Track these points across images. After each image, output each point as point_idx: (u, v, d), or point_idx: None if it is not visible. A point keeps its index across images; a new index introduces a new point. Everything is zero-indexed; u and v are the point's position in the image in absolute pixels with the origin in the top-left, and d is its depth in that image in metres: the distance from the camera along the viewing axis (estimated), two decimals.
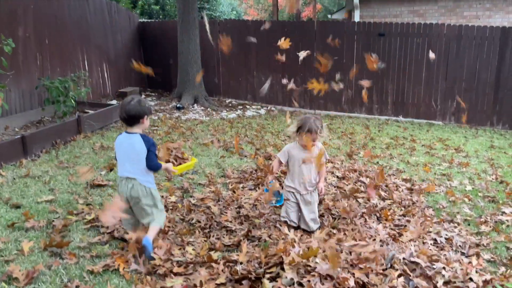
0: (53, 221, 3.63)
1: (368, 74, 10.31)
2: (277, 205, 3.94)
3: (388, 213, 3.83)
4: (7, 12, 7.01)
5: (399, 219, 3.81)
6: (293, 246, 2.77)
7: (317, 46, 10.61)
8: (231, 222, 3.76)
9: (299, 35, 10.75)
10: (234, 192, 4.52)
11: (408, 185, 5.01)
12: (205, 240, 3.33)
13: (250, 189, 4.65)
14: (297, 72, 10.91)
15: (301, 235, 3.37)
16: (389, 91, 10.39)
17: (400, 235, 3.49)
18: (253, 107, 11.00)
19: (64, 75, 7.98)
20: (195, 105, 10.48)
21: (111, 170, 5.19)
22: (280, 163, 3.60)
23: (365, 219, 3.73)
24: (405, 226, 3.72)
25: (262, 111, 10.54)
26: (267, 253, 2.75)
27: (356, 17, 12.41)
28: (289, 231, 3.43)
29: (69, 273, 2.87)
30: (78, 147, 6.16)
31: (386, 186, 4.84)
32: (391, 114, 10.45)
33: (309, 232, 3.54)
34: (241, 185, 4.76)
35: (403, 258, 2.80)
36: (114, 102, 10.12)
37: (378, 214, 3.93)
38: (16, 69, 7.23)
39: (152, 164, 3.14)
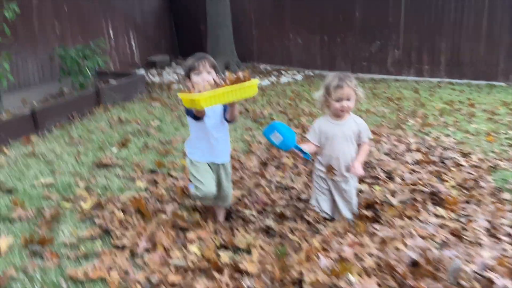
0: (43, 209, 3.13)
1: (417, 31, 9.19)
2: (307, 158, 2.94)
3: (450, 199, 3.02)
4: None
5: (463, 208, 3.00)
6: (318, 257, 2.09)
7: (360, 2, 9.52)
8: (250, 210, 3.12)
9: None
10: (255, 173, 3.85)
11: (469, 159, 4.13)
12: (214, 238, 2.70)
13: (276, 167, 3.97)
14: (337, 33, 9.90)
15: (332, 233, 2.64)
16: (442, 50, 9.19)
17: (465, 229, 2.70)
18: (289, 72, 10.15)
19: (92, 49, 7.45)
20: (226, 71, 9.76)
21: (124, 146, 4.66)
22: (315, 145, 2.83)
23: (418, 207, 2.95)
24: (470, 216, 2.92)
25: (299, 77, 9.69)
26: (283, 264, 2.09)
27: None
28: (319, 224, 2.74)
29: (44, 279, 2.35)
30: (94, 121, 5.68)
31: (442, 162, 4.00)
32: (444, 76, 9.28)
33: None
34: (266, 164, 4.08)
35: (474, 271, 2.05)
36: (141, 71, 9.60)
37: (435, 200, 3.13)
38: (32, 38, 6.81)
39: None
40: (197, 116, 2.59)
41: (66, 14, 7.60)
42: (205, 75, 2.64)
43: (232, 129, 5.40)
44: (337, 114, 2.75)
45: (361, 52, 9.83)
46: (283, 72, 10.15)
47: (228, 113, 2.71)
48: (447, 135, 5.09)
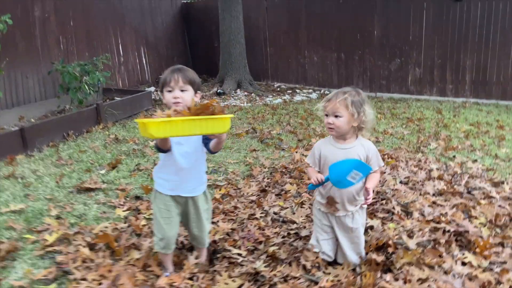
0: (1, 242, 2.72)
1: (440, 48, 8.66)
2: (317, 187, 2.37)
3: (479, 242, 2.47)
4: None
5: (496, 253, 2.45)
6: None
7: (378, 16, 9.07)
8: (239, 248, 2.64)
9: (356, 6, 9.26)
10: (252, 202, 3.38)
11: (501, 190, 3.56)
12: (191, 285, 2.23)
13: (277, 195, 3.49)
14: (355, 50, 9.46)
15: (332, 285, 2.13)
16: (467, 68, 8.62)
17: (499, 283, 2.16)
18: (304, 91, 9.71)
19: (95, 64, 7.16)
20: (238, 90, 9.40)
21: (113, 168, 4.26)
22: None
23: (440, 252, 2.41)
24: (504, 263, 2.37)
25: (314, 95, 9.24)
26: None
27: None
28: (319, 270, 2.24)
29: None
30: (90, 140, 5.33)
31: (470, 193, 3.44)
32: (470, 96, 8.67)
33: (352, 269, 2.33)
34: (266, 190, 3.61)
35: None
36: (151, 89, 9.32)
37: (462, 242, 2.58)
38: (34, 53, 6.57)
39: None
40: (160, 147, 2.14)
41: (72, 29, 7.39)
42: (177, 93, 2.19)
43: (235, 150, 4.98)
44: (331, 135, 2.30)
45: (380, 70, 9.33)
46: (297, 90, 9.73)
47: (214, 143, 2.19)
48: (474, 161, 4.52)
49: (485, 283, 2.10)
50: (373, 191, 2.30)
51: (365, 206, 2.39)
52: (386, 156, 4.40)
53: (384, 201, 3.13)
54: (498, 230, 2.82)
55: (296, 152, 4.67)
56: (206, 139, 2.23)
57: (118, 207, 3.31)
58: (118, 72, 8.85)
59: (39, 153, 4.72)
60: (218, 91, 9.06)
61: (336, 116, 2.22)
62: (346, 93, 2.22)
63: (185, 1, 12.45)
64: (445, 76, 8.80)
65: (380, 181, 3.57)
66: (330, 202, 2.29)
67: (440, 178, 3.73)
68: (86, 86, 5.78)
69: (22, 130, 4.75)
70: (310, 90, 9.78)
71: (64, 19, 7.22)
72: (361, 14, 9.21)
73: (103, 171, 4.17)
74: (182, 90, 2.20)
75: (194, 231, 2.42)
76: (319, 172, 2.34)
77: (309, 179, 2.34)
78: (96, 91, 6.69)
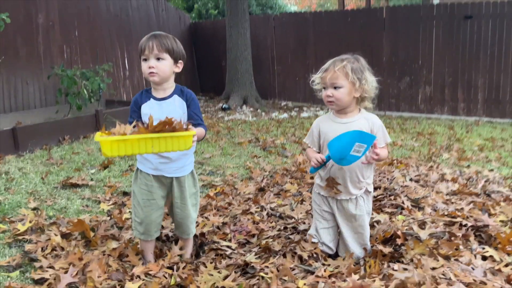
0: None
1: (451, 66, 8.45)
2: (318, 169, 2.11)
3: (502, 236, 2.15)
4: None
5: None
6: None
7: (387, 34, 8.93)
8: (229, 241, 2.36)
9: (364, 24, 9.15)
10: (248, 200, 3.10)
11: None
12: (167, 275, 1.94)
13: (276, 194, 3.21)
14: None
15: (332, 275, 1.84)
16: (479, 86, 8.37)
17: None
18: (311, 108, 9.51)
19: (97, 71, 7.03)
20: (244, 106, 9.23)
21: (105, 168, 4.03)
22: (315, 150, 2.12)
23: (457, 245, 2.09)
24: None
25: (322, 113, 9.01)
26: None
27: (435, 2, 10.50)
28: (318, 261, 1.95)
29: None
30: (85, 144, 5.12)
31: (488, 195, 3.13)
32: (482, 115, 8.38)
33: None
34: (264, 190, 3.33)
35: None
36: None
37: (481, 237, 2.27)
38: (36, 60, 6.47)
39: None
40: None
41: (76, 39, 7.31)
42: (152, 62, 1.97)
43: (236, 156, 4.73)
44: (331, 109, 2.05)
45: (389, 88, 9.10)
46: (305, 108, 9.53)
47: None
48: (491, 170, 4.21)
49: (510, 277, 1.78)
50: (381, 158, 1.96)
51: (371, 190, 2.11)
52: (395, 162, 4.12)
53: (392, 197, 2.82)
54: None
55: (300, 155, 4.41)
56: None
57: (103, 202, 3.06)
58: (123, 85, 8.74)
59: (30, 154, 4.52)
60: (224, 106, 8.90)
61: (335, 88, 1.98)
62: (345, 60, 2.00)
63: (193, 21, 12.54)
64: (456, 94, 8.54)
65: (388, 178, 3.28)
66: (331, 183, 2.02)
67: (454, 180, 3.42)
68: (85, 91, 5.62)
69: (14, 130, 4.57)
70: (318, 108, 9.57)
71: (69, 28, 7.16)
72: (370, 32, 9.09)
73: (93, 171, 3.94)
74: (158, 59, 1.98)
75: (178, 216, 2.15)
76: (318, 153, 2.09)
77: (311, 161, 2.08)
78: (97, 100, 6.53)
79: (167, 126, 1.71)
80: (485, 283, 1.68)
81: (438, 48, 8.56)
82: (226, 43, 9.73)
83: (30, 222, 2.54)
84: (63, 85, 5.69)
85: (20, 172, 3.77)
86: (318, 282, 1.70)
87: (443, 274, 1.70)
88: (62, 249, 2.22)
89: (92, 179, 3.64)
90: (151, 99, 2.05)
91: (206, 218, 2.68)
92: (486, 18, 8.14)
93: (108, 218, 2.74)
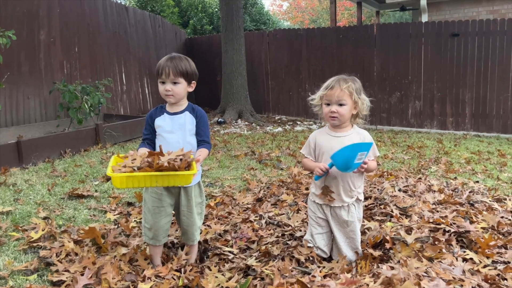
0: None
1: (439, 81, 8.75)
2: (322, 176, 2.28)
3: (482, 241, 2.34)
4: (25, 11, 6.44)
5: (499, 253, 2.33)
6: None
7: (378, 51, 9.24)
8: (231, 247, 2.53)
9: (356, 40, 9.47)
10: (247, 209, 3.28)
11: (504, 205, 3.45)
12: (176, 276, 2.12)
13: (273, 204, 3.39)
14: None
15: (326, 275, 2.02)
16: (466, 101, 8.67)
17: (504, 279, 2.04)
18: (305, 123, 9.75)
19: (97, 86, 7.20)
20: (239, 120, 9.44)
21: (108, 180, 4.19)
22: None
23: (440, 248, 2.29)
24: (508, 263, 2.25)
25: (315, 127, 9.25)
26: None
27: (424, 20, 10.87)
28: (313, 265, 2.13)
29: None
30: (87, 157, 5.27)
31: (472, 205, 3.33)
32: (470, 129, 8.67)
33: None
34: (262, 200, 3.52)
35: None
36: None
37: (463, 242, 2.46)
38: (37, 76, 6.66)
39: None
40: None
41: (76, 54, 7.52)
42: (168, 86, 2.18)
43: (233, 168, 4.92)
44: (332, 124, 2.25)
45: (380, 103, 9.38)
46: (298, 122, 9.77)
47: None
48: (476, 182, 4.43)
49: (488, 276, 1.98)
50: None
51: (362, 199, 2.31)
52: (385, 174, 4.33)
53: (382, 206, 3.03)
54: (500, 236, 2.70)
55: (295, 167, 4.60)
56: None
57: (109, 212, 3.23)
58: (121, 100, 8.92)
59: (33, 166, 4.67)
60: (219, 120, 9.10)
61: (340, 105, 2.19)
62: (349, 80, 2.21)
63: (189, 36, 12.80)
64: (445, 109, 8.83)
65: (378, 189, 3.49)
66: (325, 191, 2.22)
67: (440, 191, 3.64)
68: (86, 106, 5.80)
69: (19, 143, 4.73)
70: (311, 122, 9.81)
71: (69, 44, 7.36)
72: (361, 49, 9.40)
73: (97, 182, 4.11)
74: (174, 83, 2.19)
75: (184, 224, 2.33)
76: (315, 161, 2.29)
77: (311, 171, 2.28)
78: (97, 114, 6.70)
79: (169, 166, 1.89)
80: (463, 280, 1.87)
81: (427, 64, 8.88)
82: (221, 58, 9.99)
83: (42, 230, 2.70)
84: (64, 100, 5.86)
85: (26, 183, 3.93)
86: (315, 276, 1.89)
87: (426, 272, 1.90)
88: (76, 254, 2.37)
89: (96, 190, 3.81)
90: (165, 114, 2.26)
91: (208, 226, 2.85)
92: (472, 36, 8.48)
93: (116, 226, 2.90)
